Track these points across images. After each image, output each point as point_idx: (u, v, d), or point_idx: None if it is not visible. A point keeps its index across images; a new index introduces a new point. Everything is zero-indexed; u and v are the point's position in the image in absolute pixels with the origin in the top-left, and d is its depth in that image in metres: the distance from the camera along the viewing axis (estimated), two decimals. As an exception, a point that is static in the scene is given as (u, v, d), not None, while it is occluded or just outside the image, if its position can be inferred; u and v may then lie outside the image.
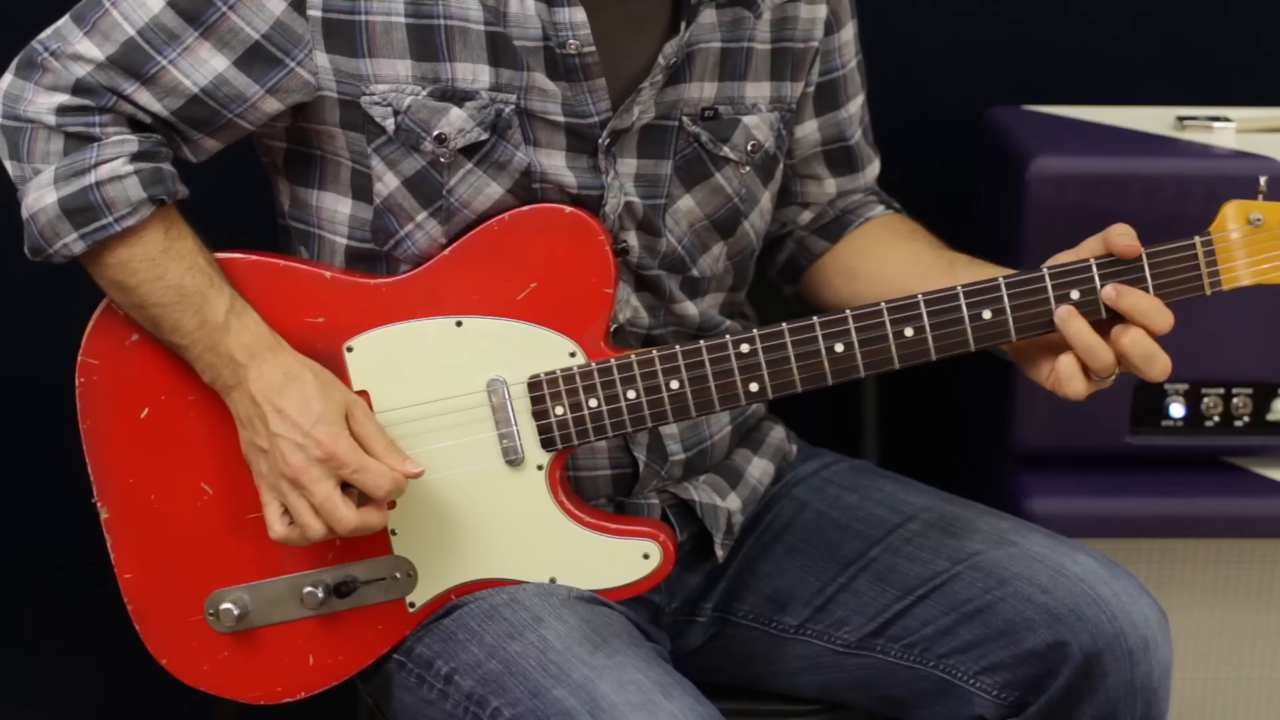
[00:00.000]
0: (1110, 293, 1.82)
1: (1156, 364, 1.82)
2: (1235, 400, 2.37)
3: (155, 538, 1.95)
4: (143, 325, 1.91)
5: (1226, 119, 2.44)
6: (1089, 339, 1.82)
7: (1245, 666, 2.46)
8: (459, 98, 1.88)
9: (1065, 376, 1.84)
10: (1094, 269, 1.83)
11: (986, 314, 1.85)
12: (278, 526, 1.86)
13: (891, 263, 2.08)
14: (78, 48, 1.86)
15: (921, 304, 1.85)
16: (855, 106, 2.15)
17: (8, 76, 1.90)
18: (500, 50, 1.87)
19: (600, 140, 1.91)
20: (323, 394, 1.85)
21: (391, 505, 1.90)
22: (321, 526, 1.84)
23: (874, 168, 2.21)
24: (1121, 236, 1.83)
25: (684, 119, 1.96)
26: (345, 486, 1.84)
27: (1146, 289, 1.82)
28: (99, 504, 1.96)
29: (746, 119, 2.00)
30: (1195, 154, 2.37)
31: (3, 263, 2.53)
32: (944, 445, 2.82)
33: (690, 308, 2.02)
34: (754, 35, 1.99)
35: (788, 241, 2.19)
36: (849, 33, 2.11)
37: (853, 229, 2.15)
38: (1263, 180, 1.81)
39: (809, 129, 2.12)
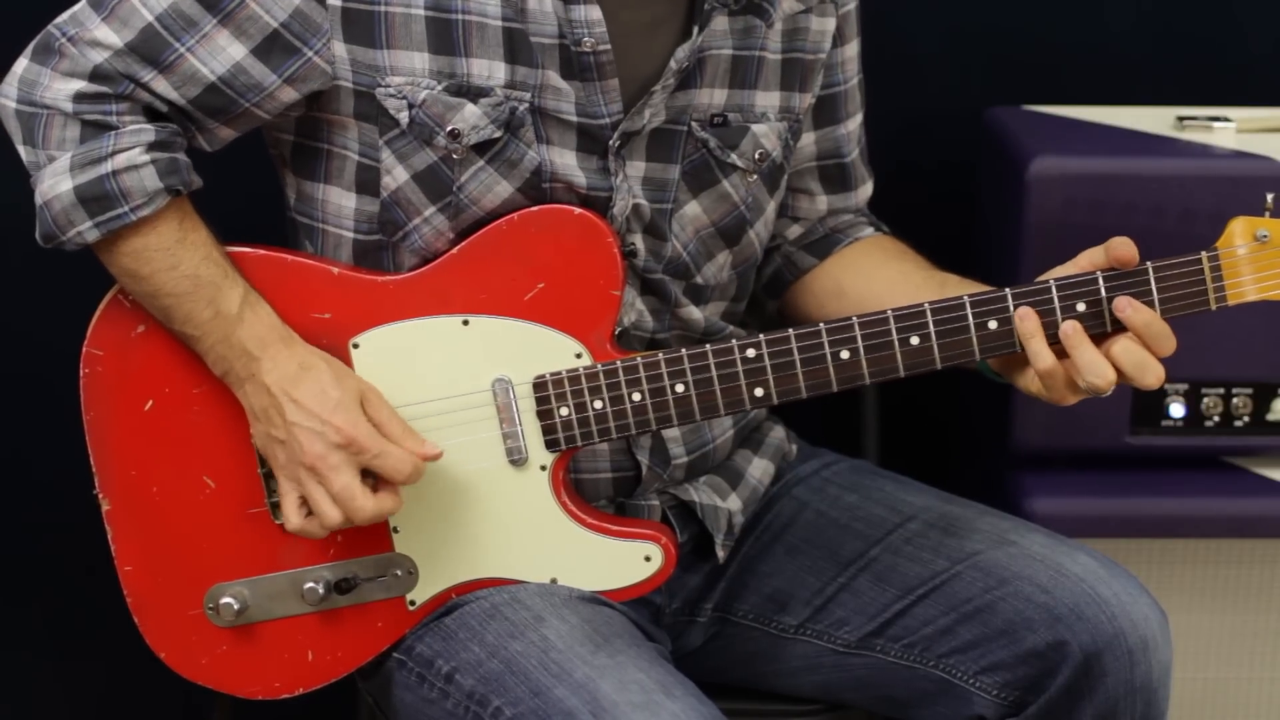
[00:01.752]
0: (1124, 305, 1.81)
1: (1150, 372, 1.81)
2: (1235, 400, 2.38)
3: (156, 530, 1.95)
4: (154, 315, 1.90)
5: (1226, 119, 2.44)
6: (1090, 355, 1.81)
7: (1245, 666, 2.46)
8: (474, 94, 1.88)
9: (1051, 386, 1.84)
10: (1100, 281, 1.82)
11: (992, 324, 1.84)
12: (294, 518, 1.86)
13: (880, 281, 2.08)
14: (96, 34, 1.85)
15: (928, 313, 1.85)
16: (854, 124, 2.15)
17: (23, 61, 1.89)
18: (517, 47, 1.87)
19: (611, 142, 1.91)
20: (338, 382, 1.85)
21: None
22: (339, 515, 1.83)
23: (867, 189, 2.21)
24: (1121, 245, 1.82)
25: (693, 124, 1.96)
26: (363, 474, 1.84)
27: (1152, 302, 1.82)
28: (100, 495, 1.95)
29: (755, 127, 1.99)
30: (1195, 154, 2.37)
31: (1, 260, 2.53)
32: (944, 445, 2.82)
33: (695, 313, 2.02)
34: (765, 44, 1.99)
35: (774, 255, 2.19)
36: (853, 49, 2.11)
37: (841, 247, 2.15)
38: (1270, 197, 1.81)
39: (806, 141, 2.11)
